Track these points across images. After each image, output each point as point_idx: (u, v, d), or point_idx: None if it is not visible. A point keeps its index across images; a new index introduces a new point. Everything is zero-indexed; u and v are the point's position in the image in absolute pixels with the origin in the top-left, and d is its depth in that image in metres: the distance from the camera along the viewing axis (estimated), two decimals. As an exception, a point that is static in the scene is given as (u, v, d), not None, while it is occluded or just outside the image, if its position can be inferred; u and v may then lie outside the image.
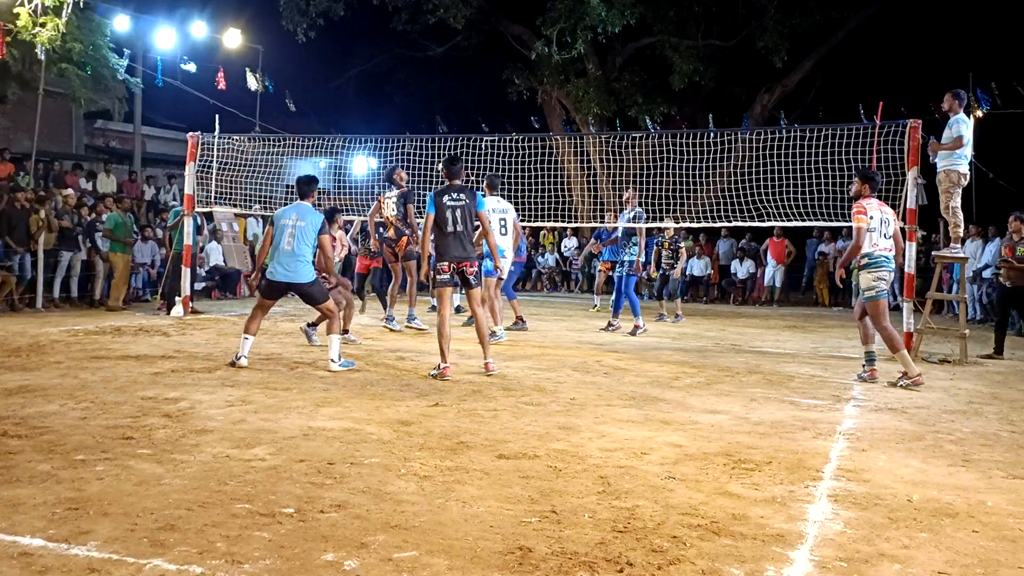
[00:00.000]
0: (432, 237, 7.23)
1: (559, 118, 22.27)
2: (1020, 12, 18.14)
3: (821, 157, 10.36)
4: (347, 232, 11.72)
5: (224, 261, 16.08)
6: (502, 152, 12.22)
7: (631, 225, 11.18)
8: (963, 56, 19.69)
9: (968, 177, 9.21)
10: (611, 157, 16.14)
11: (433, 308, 12.46)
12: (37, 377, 6.34)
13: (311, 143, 14.37)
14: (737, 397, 6.46)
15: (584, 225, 16.65)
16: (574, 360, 8.32)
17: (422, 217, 7.73)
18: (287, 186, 14.41)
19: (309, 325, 9.08)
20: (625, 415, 5.61)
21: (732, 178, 12.22)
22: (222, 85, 17.90)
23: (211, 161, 12.56)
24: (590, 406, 5.88)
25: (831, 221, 10.55)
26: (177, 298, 11.96)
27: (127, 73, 15.87)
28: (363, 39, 25.23)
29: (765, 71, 20.13)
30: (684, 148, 11.80)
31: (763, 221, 10.96)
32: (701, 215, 11.95)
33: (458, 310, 12.22)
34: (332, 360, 7.20)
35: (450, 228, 7.08)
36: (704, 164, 11.76)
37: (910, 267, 9.41)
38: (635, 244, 11.11)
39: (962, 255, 9.64)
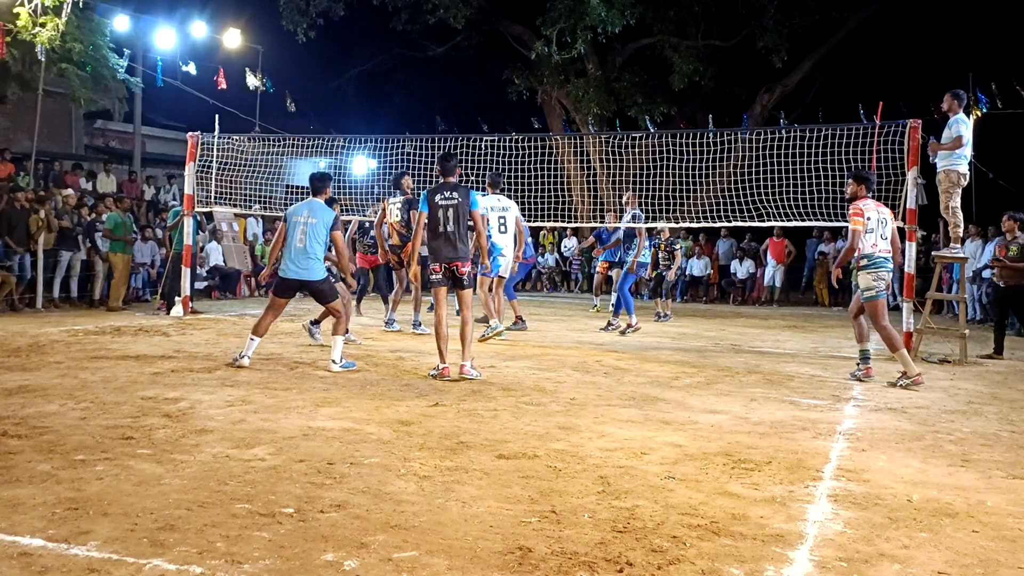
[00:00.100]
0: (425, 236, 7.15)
1: (559, 118, 22.27)
2: (1020, 12, 18.14)
3: (821, 157, 10.35)
4: (346, 231, 11.71)
5: (224, 261, 16.09)
6: (502, 152, 12.22)
7: (632, 225, 11.18)
8: (963, 56, 19.68)
9: (968, 177, 9.21)
10: (611, 157, 16.14)
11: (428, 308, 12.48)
12: (37, 377, 6.34)
13: (311, 143, 14.38)
14: (737, 397, 6.46)
15: (584, 225, 16.64)
16: (574, 360, 8.32)
17: None
18: (287, 186, 14.44)
19: (312, 323, 9.09)
20: (625, 415, 5.61)
21: (732, 178, 12.22)
22: (223, 85, 17.89)
23: (211, 161, 12.56)
24: (590, 406, 5.88)
25: (831, 221, 10.55)
26: (177, 298, 11.96)
27: (127, 73, 15.86)
28: (363, 39, 25.23)
29: (765, 71, 20.13)
30: (684, 148, 11.81)
31: (763, 221, 10.96)
32: (701, 215, 11.95)
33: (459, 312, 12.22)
34: (333, 361, 7.19)
35: (441, 228, 6.98)
36: (704, 164, 11.76)
37: (910, 267, 9.42)
38: (635, 246, 11.12)
39: (962, 255, 9.64)
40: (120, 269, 12.56)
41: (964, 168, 8.94)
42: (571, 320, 13.26)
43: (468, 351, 6.97)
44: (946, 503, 3.82)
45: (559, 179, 14.22)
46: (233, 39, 19.40)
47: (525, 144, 12.29)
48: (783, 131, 11.01)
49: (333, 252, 7.69)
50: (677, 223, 12.54)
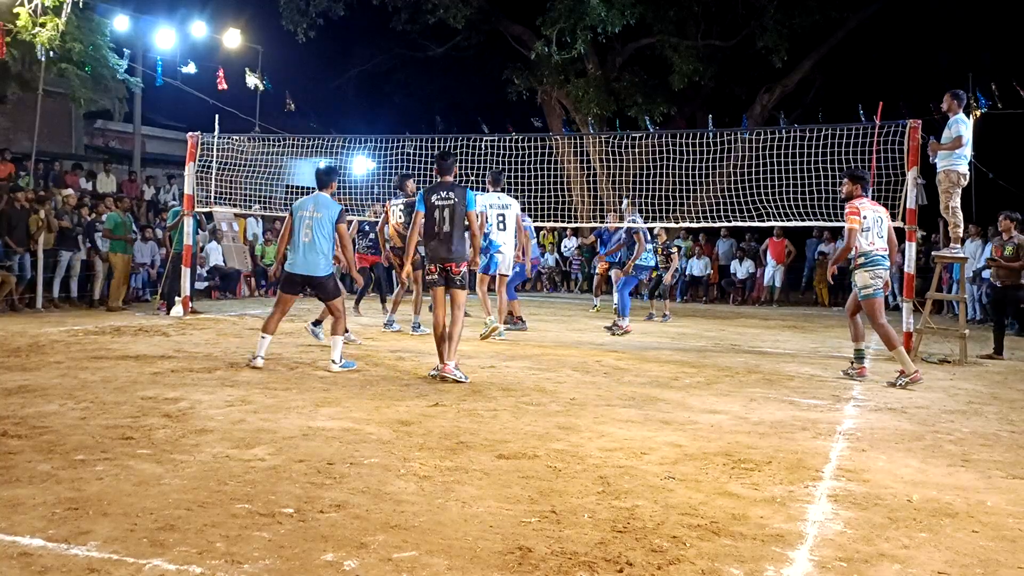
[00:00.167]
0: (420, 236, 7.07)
1: (559, 118, 22.27)
2: (1020, 12, 18.14)
3: (821, 157, 10.35)
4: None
5: (224, 261, 16.09)
6: (502, 152, 12.22)
7: (634, 226, 11.19)
8: (963, 56, 19.68)
9: (968, 177, 9.21)
10: (611, 157, 16.14)
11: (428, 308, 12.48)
12: (37, 377, 6.34)
13: (311, 143, 14.37)
14: (737, 397, 6.46)
15: (584, 225, 16.65)
16: (574, 360, 8.32)
17: None
18: (287, 186, 14.44)
19: (313, 323, 9.09)
20: (625, 415, 5.61)
21: (732, 178, 12.22)
22: (223, 86, 17.89)
23: (211, 161, 12.56)
24: (590, 406, 5.88)
25: (831, 221, 10.53)
26: (177, 298, 11.97)
27: (127, 73, 15.86)
28: (363, 39, 25.23)
29: (765, 71, 20.12)
30: (684, 148, 11.80)
31: (763, 221, 10.95)
32: (701, 215, 11.95)
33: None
34: (333, 361, 7.17)
35: (437, 228, 6.90)
36: (704, 164, 11.76)
37: (910, 267, 9.42)
38: (635, 249, 11.11)
39: (962, 255, 9.64)
40: (120, 269, 12.56)
41: (964, 168, 8.94)
42: (571, 320, 13.26)
43: (453, 351, 6.83)
44: (946, 503, 3.82)
45: (559, 179, 14.21)
46: (233, 39, 19.40)
47: (525, 144, 12.29)
48: (783, 131, 11.01)
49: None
50: (677, 223, 12.54)
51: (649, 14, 19.11)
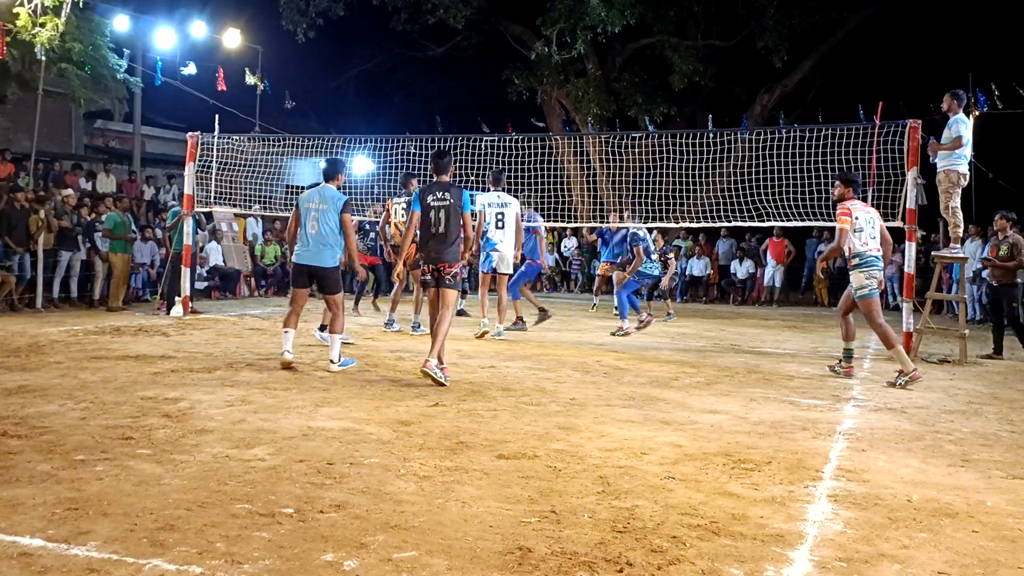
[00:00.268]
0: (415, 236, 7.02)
1: (559, 118, 22.27)
2: (1020, 12, 18.14)
3: (821, 157, 10.35)
4: None
5: (224, 261, 16.09)
6: (502, 152, 12.22)
7: (635, 226, 11.19)
8: (963, 56, 19.67)
9: (968, 177, 9.22)
10: (611, 157, 16.13)
11: None
12: (37, 377, 6.34)
13: (311, 143, 14.37)
14: (737, 397, 6.46)
15: (584, 225, 16.64)
16: (574, 360, 8.32)
17: None
18: (287, 186, 14.44)
19: (320, 329, 9.02)
20: (625, 415, 5.61)
21: (732, 178, 12.22)
22: (223, 87, 17.89)
23: (211, 161, 12.56)
24: (590, 406, 5.88)
25: (831, 221, 10.48)
26: (177, 298, 11.97)
27: (127, 73, 15.86)
28: (363, 39, 25.22)
29: (765, 71, 20.12)
30: (684, 148, 11.80)
31: (763, 221, 10.95)
32: (701, 215, 11.95)
33: (461, 313, 12.23)
34: (332, 361, 7.17)
35: (432, 229, 6.82)
36: (704, 164, 11.75)
37: (910, 267, 9.42)
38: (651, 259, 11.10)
39: (962, 255, 9.64)
40: (120, 269, 12.56)
41: (964, 168, 8.94)
42: (571, 320, 13.26)
43: (436, 348, 6.65)
44: (946, 503, 3.82)
45: (559, 179, 14.21)
46: (233, 39, 19.40)
47: (525, 144, 12.30)
48: (783, 131, 11.01)
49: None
50: (677, 223, 12.53)
51: (649, 14, 19.10)
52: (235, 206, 13.31)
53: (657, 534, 3.28)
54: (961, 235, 9.48)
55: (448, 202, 6.82)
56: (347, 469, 4.05)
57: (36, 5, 12.05)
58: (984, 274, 13.66)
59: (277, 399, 5.75)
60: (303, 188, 13.89)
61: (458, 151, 12.10)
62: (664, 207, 11.96)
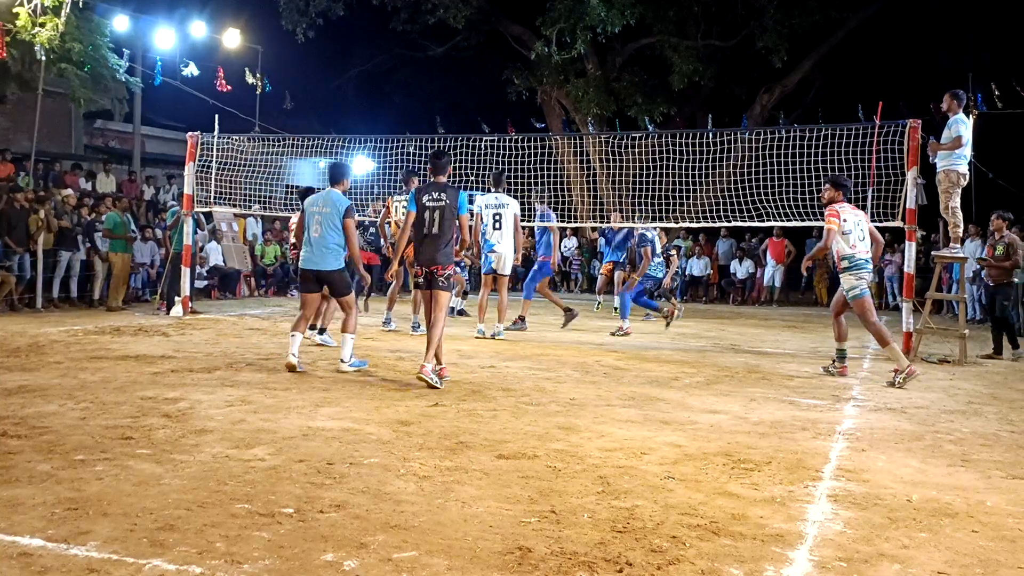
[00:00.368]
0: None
1: (559, 118, 22.27)
2: (1020, 12, 18.14)
3: (821, 157, 10.35)
4: None
5: (224, 261, 16.09)
6: (502, 152, 12.22)
7: (638, 226, 11.21)
8: (963, 56, 19.67)
9: (968, 177, 9.22)
10: (611, 157, 16.14)
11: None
12: (36, 377, 6.34)
13: (311, 143, 14.37)
14: (736, 397, 6.46)
15: (584, 225, 16.63)
16: (574, 360, 8.32)
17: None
18: (287, 186, 14.43)
19: (318, 332, 9.03)
20: (624, 415, 5.61)
21: (731, 178, 12.21)
22: (223, 87, 17.88)
23: (211, 161, 12.56)
24: (590, 406, 5.88)
25: (829, 221, 10.53)
26: (176, 298, 11.97)
27: (127, 73, 15.86)
28: (363, 39, 25.23)
29: (765, 71, 20.13)
30: (683, 148, 11.80)
31: (763, 221, 10.95)
32: (701, 215, 11.95)
33: (461, 313, 12.24)
34: (343, 360, 7.13)
35: (426, 229, 6.72)
36: (703, 164, 11.75)
37: (910, 267, 9.42)
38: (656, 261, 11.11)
39: (961, 255, 9.64)
40: (119, 268, 12.56)
41: (964, 168, 8.95)
42: (562, 317, 13.22)
43: (431, 353, 6.56)
44: (946, 503, 3.82)
45: (559, 179, 14.21)
46: (232, 39, 19.40)
47: (525, 144, 12.30)
48: (783, 131, 11.01)
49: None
50: (677, 223, 12.53)
51: (649, 14, 19.11)
52: (235, 206, 13.30)
53: (657, 534, 3.28)
54: (961, 235, 9.49)
55: (444, 203, 6.73)
56: (347, 469, 4.05)
57: (36, 5, 12.05)
58: (983, 274, 13.68)
59: (277, 399, 5.75)
60: (302, 187, 13.90)
61: (458, 151, 12.09)
62: (664, 207, 11.96)
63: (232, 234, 16.41)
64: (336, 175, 7.46)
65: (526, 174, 12.11)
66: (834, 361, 7.86)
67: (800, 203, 10.57)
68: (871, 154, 9.72)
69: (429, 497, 3.65)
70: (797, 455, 4.63)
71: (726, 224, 12.36)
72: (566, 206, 13.98)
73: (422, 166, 12.31)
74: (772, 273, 18.25)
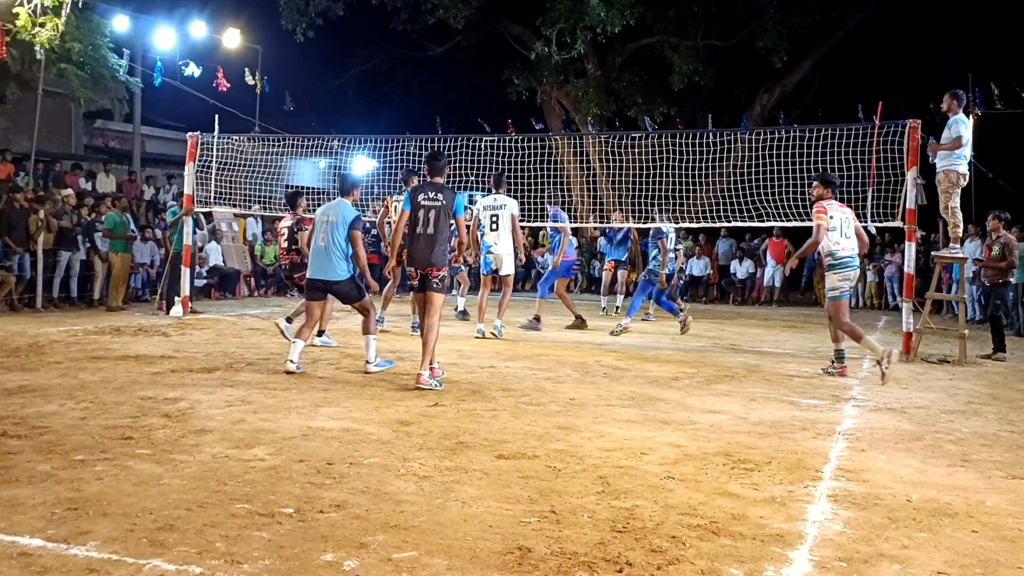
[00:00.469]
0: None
1: (559, 118, 22.27)
2: (1020, 12, 18.15)
3: (821, 157, 10.35)
4: None
5: (223, 261, 16.09)
6: (502, 152, 12.22)
7: (638, 225, 11.22)
8: (963, 56, 19.68)
9: (967, 177, 9.22)
10: (611, 157, 16.14)
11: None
12: (36, 377, 6.34)
13: (311, 143, 14.37)
14: (736, 397, 6.46)
15: (584, 225, 16.63)
16: (574, 360, 8.32)
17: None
18: (287, 186, 14.43)
19: (317, 334, 8.96)
20: (624, 415, 5.61)
21: (731, 178, 12.21)
22: (223, 88, 17.87)
23: (211, 161, 12.56)
24: (590, 406, 5.88)
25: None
26: (176, 298, 11.97)
27: (127, 73, 15.85)
28: (363, 39, 25.24)
29: (765, 71, 20.13)
30: (683, 148, 11.79)
31: (763, 221, 10.95)
32: (701, 215, 11.95)
33: (463, 314, 12.22)
34: (368, 361, 7.11)
35: (420, 229, 6.65)
36: (703, 164, 11.74)
37: (910, 267, 9.42)
38: (658, 256, 11.09)
39: (961, 255, 9.65)
40: (119, 268, 12.56)
41: (964, 168, 8.95)
42: (571, 320, 13.22)
43: (427, 360, 6.48)
44: (946, 503, 3.82)
45: (559, 179, 14.21)
46: (232, 39, 19.39)
47: (525, 144, 12.30)
48: (783, 131, 11.01)
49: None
50: (677, 223, 12.52)
51: (649, 14, 19.11)
52: (235, 206, 13.30)
53: (657, 534, 3.28)
54: (961, 235, 9.49)
55: (440, 203, 6.66)
56: (347, 469, 4.05)
57: (36, 5, 12.05)
58: (981, 274, 13.69)
59: (277, 399, 5.75)
60: (303, 188, 13.91)
61: (458, 151, 12.09)
62: (664, 207, 11.95)
63: (232, 234, 16.41)
64: (346, 186, 7.42)
65: (526, 174, 12.11)
66: (833, 362, 7.88)
67: (800, 203, 10.57)
68: (871, 154, 9.72)
69: (429, 497, 3.65)
70: (797, 455, 4.63)
71: (726, 224, 12.35)
72: (566, 206, 13.97)
73: (422, 166, 12.31)
74: (772, 273, 18.25)
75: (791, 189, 10.63)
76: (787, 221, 10.77)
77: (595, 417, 5.50)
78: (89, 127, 23.35)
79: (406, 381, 6.70)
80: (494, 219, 9.96)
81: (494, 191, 10.18)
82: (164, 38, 17.25)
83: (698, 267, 19.04)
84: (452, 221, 6.74)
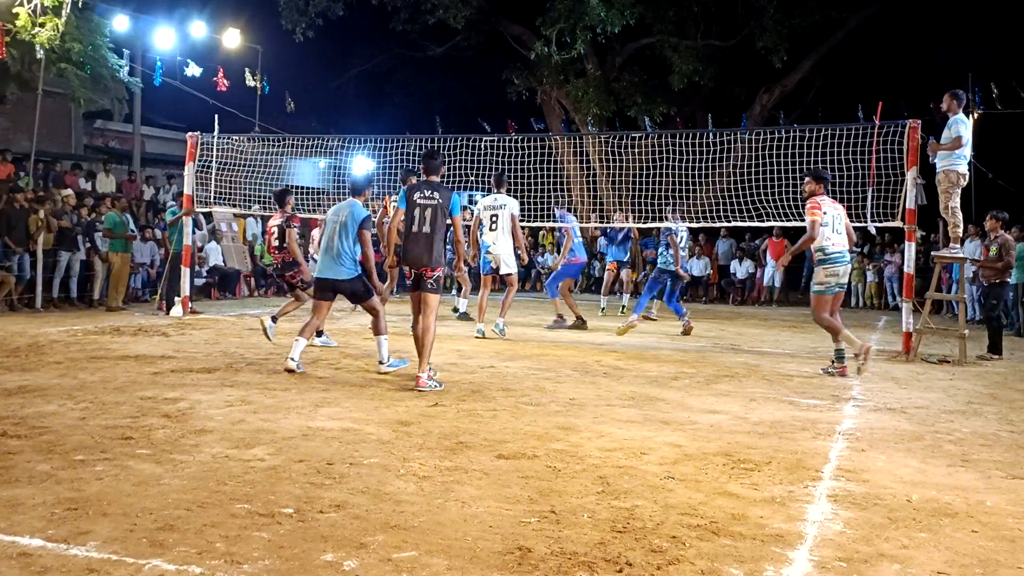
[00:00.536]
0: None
1: (559, 118, 22.27)
2: (1020, 12, 18.15)
3: (821, 157, 10.35)
4: None
5: (223, 261, 16.08)
6: (502, 152, 12.22)
7: (639, 225, 11.22)
8: (963, 56, 19.68)
9: (967, 177, 9.22)
10: (610, 157, 16.14)
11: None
12: (36, 377, 6.34)
13: (311, 143, 14.37)
14: (736, 397, 6.46)
15: (585, 225, 16.62)
16: (574, 360, 8.32)
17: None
18: (287, 186, 14.44)
19: (318, 334, 8.95)
20: (624, 415, 5.61)
21: (731, 178, 12.21)
22: (223, 87, 17.87)
23: (210, 161, 12.55)
24: (590, 406, 5.88)
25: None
26: (176, 298, 11.97)
27: (127, 73, 15.84)
28: (363, 39, 25.23)
29: (765, 71, 20.12)
30: (683, 148, 11.79)
31: (762, 221, 10.95)
32: (700, 215, 11.94)
33: (464, 316, 12.21)
34: (381, 362, 7.08)
35: (415, 228, 6.60)
36: (703, 164, 11.74)
37: (910, 267, 9.42)
38: (668, 253, 11.09)
39: (961, 255, 9.65)
40: (119, 268, 12.56)
41: (963, 168, 8.95)
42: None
43: (424, 363, 6.47)
44: (946, 503, 3.82)
45: (559, 179, 14.21)
46: (232, 39, 19.39)
47: (525, 144, 12.30)
48: (783, 131, 11.01)
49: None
50: (686, 221, 12.52)
51: (649, 14, 19.10)
52: (235, 206, 13.30)
53: (657, 534, 3.28)
54: (961, 235, 9.49)
55: (436, 202, 6.62)
56: (347, 469, 4.05)
57: (36, 5, 12.04)
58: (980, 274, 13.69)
59: (277, 399, 5.75)
60: (303, 188, 13.91)
61: (458, 151, 12.09)
62: (664, 207, 11.95)
63: (232, 234, 16.40)
64: (356, 187, 7.42)
65: (526, 174, 12.11)
66: (833, 362, 7.89)
67: (800, 203, 10.55)
68: (871, 154, 9.72)
69: (429, 497, 3.65)
70: (797, 455, 4.63)
71: (726, 224, 12.36)
72: (566, 206, 13.97)
73: (419, 165, 12.31)
74: (772, 273, 18.25)
75: (791, 189, 10.62)
76: (787, 221, 10.76)
77: (595, 417, 5.50)
78: (89, 127, 23.35)
79: (406, 381, 6.70)
80: (493, 219, 9.97)
81: (495, 191, 10.19)
82: (164, 38, 17.24)
83: (698, 267, 19.02)
84: (449, 220, 6.71)
